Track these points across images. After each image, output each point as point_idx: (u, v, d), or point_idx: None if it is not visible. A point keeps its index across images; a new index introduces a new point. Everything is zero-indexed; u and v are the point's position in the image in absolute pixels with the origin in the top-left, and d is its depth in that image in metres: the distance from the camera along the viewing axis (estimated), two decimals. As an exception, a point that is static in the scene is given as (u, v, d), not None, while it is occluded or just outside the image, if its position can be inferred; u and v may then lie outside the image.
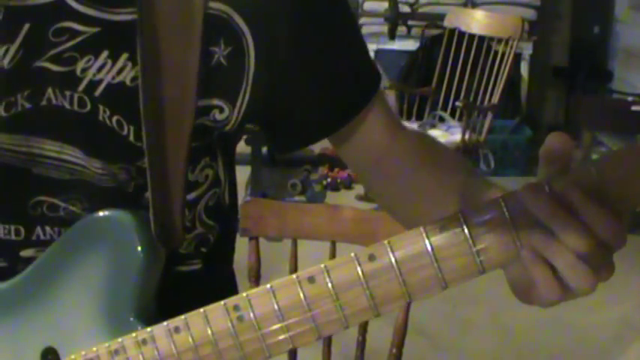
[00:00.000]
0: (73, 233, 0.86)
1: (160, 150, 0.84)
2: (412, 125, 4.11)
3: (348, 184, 4.46)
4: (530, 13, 5.10)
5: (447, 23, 4.29)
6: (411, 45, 5.12)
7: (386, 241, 0.67)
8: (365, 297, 0.68)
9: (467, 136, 3.86)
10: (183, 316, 0.76)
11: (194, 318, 0.75)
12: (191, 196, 0.91)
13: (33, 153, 0.86)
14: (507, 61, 3.96)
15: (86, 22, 0.83)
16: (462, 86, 4.14)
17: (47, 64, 0.83)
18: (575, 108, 5.03)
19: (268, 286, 0.72)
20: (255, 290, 0.73)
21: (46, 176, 0.87)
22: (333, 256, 1.46)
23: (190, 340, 0.76)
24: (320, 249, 1.42)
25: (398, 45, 5.01)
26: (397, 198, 0.94)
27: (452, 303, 3.09)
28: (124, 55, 0.83)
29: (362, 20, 5.03)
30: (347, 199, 4.25)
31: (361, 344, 1.48)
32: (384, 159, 0.94)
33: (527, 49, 5.08)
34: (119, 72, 0.84)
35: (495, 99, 4.00)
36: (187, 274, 0.95)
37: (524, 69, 5.13)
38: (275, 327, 0.72)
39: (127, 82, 0.84)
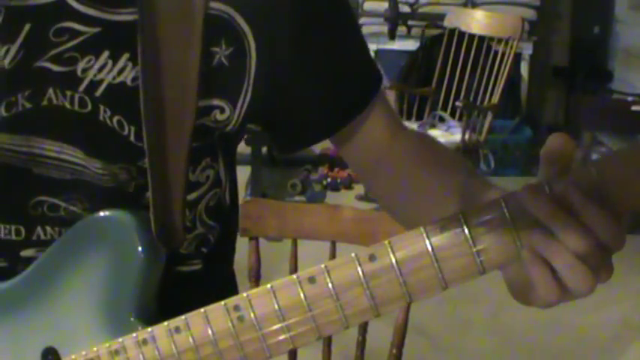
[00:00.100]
0: (74, 233, 0.86)
1: (160, 150, 0.84)
2: (412, 125, 4.11)
3: (348, 184, 4.46)
4: (530, 13, 5.10)
5: (447, 23, 4.29)
6: (411, 45, 5.12)
7: (386, 242, 0.68)
8: (365, 297, 0.68)
9: (467, 136, 3.86)
10: (183, 317, 0.76)
11: (194, 318, 0.75)
12: (192, 196, 0.91)
13: (33, 153, 0.86)
14: (507, 61, 3.96)
15: (87, 23, 0.83)
16: (462, 86, 4.14)
17: (48, 64, 0.83)
18: (575, 108, 5.03)
19: (269, 286, 0.72)
20: (255, 290, 0.73)
21: (47, 176, 0.87)
22: (333, 256, 1.46)
23: (191, 340, 0.76)
24: (320, 249, 1.42)
25: (398, 45, 5.00)
26: (398, 197, 0.95)
27: (452, 303, 3.09)
28: (125, 56, 0.83)
29: (362, 20, 5.03)
30: (347, 199, 4.25)
31: (361, 344, 1.48)
32: (384, 159, 0.94)
33: (527, 49, 5.07)
34: (120, 72, 0.84)
35: (495, 99, 4.00)
36: (188, 275, 0.95)
37: (524, 69, 5.13)
38: (275, 327, 0.72)
39: (128, 82, 0.84)
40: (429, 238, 0.66)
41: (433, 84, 4.34)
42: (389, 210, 0.99)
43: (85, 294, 0.85)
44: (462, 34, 4.17)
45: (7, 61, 0.83)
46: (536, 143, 4.76)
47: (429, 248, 0.66)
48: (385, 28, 4.63)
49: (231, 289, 1.05)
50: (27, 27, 0.83)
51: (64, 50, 0.83)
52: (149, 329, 0.78)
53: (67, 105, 0.84)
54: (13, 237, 0.90)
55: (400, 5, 4.70)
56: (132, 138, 0.85)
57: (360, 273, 0.68)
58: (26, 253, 0.90)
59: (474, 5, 5.06)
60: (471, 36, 4.12)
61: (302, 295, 0.70)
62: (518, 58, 4.84)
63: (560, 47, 5.50)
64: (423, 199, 0.89)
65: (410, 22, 5.07)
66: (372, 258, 0.68)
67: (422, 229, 0.67)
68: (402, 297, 0.68)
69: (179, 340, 0.76)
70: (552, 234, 0.63)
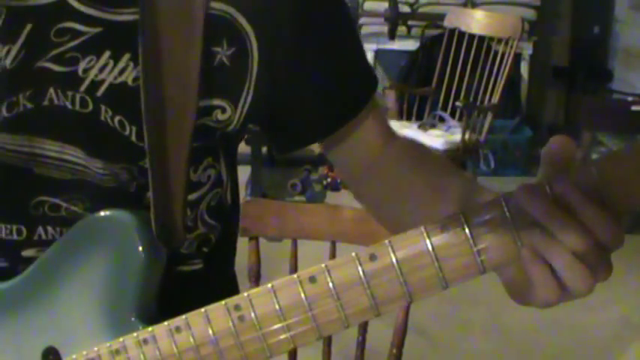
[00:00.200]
0: (75, 233, 0.87)
1: (161, 150, 0.84)
2: (412, 125, 4.12)
3: (348, 184, 4.46)
4: (530, 13, 5.10)
5: (447, 23, 4.29)
6: (411, 45, 5.12)
7: (387, 241, 0.68)
8: (366, 297, 0.68)
9: (467, 136, 3.86)
10: (184, 316, 0.76)
11: (195, 318, 0.75)
12: (193, 196, 0.91)
13: (35, 153, 0.86)
14: (507, 61, 3.96)
15: (88, 23, 0.83)
16: (462, 86, 4.14)
17: (49, 65, 0.83)
18: (575, 108, 5.03)
19: (269, 285, 0.72)
20: (256, 290, 0.73)
21: (48, 176, 0.87)
22: (333, 256, 1.46)
23: (191, 339, 0.76)
24: (320, 249, 1.42)
25: (398, 45, 5.01)
26: (388, 203, 0.94)
27: (452, 303, 3.09)
28: (126, 56, 0.84)
29: (362, 20, 5.03)
30: (347, 199, 4.25)
31: (361, 344, 1.48)
32: (376, 165, 0.94)
33: (527, 49, 5.08)
34: (121, 72, 0.84)
35: (495, 99, 4.00)
36: (189, 274, 0.95)
37: (524, 69, 5.14)
38: (276, 327, 0.72)
39: (129, 82, 0.84)
40: (429, 238, 0.66)
41: (433, 84, 4.34)
42: (376, 215, 0.99)
43: (85, 294, 0.85)
44: (462, 34, 4.17)
45: (8, 62, 0.83)
46: (536, 143, 4.77)
47: (430, 247, 0.66)
48: (385, 28, 4.63)
49: (232, 289, 1.05)
50: (28, 27, 0.83)
51: (65, 50, 0.83)
52: (150, 329, 0.78)
53: (69, 105, 0.84)
54: (15, 237, 0.90)
55: (400, 5, 4.70)
56: (133, 138, 0.85)
57: (361, 272, 0.68)
58: (27, 253, 0.90)
59: (474, 5, 5.06)
60: (471, 36, 4.12)
61: (302, 294, 0.70)
62: (518, 58, 4.84)
63: (560, 47, 5.50)
64: (415, 204, 0.89)
65: (410, 22, 5.08)
66: (372, 257, 0.68)
67: (422, 228, 0.67)
68: (403, 296, 0.68)
69: (180, 339, 0.76)
70: (550, 233, 0.63)
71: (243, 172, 3.93)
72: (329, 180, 4.47)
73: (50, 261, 0.87)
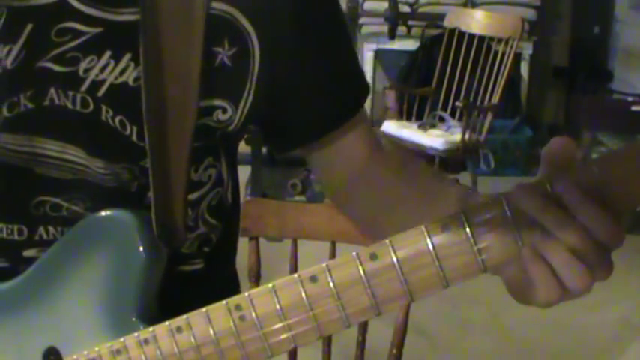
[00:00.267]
0: (75, 233, 0.87)
1: (162, 150, 0.84)
2: (412, 125, 4.12)
3: (347, 184, 4.46)
4: (530, 13, 5.10)
5: (447, 23, 4.29)
6: (411, 45, 5.12)
7: (387, 240, 0.68)
8: (367, 296, 0.69)
9: (467, 136, 3.86)
10: (185, 316, 0.76)
11: (196, 317, 0.75)
12: (194, 195, 0.92)
13: (36, 153, 0.86)
14: (507, 61, 3.96)
15: (89, 23, 0.83)
16: (462, 86, 4.14)
17: (50, 65, 0.83)
18: (575, 108, 5.03)
19: (270, 285, 0.72)
20: (256, 290, 0.73)
21: (49, 176, 0.87)
22: (333, 255, 1.46)
23: (192, 339, 0.76)
24: (320, 249, 1.42)
25: (398, 45, 5.01)
26: (376, 214, 0.94)
27: (452, 303, 3.09)
28: (127, 56, 0.84)
29: (362, 20, 5.03)
30: (347, 199, 4.24)
31: (361, 344, 1.48)
32: (364, 175, 0.94)
33: (527, 49, 5.08)
34: (122, 72, 0.84)
35: (495, 99, 4.00)
36: (189, 274, 0.95)
37: (524, 69, 5.14)
38: (277, 326, 0.72)
39: (130, 82, 0.84)
40: (429, 237, 0.66)
41: (433, 84, 4.34)
42: (363, 225, 0.98)
43: (86, 294, 0.85)
44: (462, 34, 4.17)
45: (9, 62, 0.83)
46: (536, 143, 4.77)
47: (430, 247, 0.66)
48: (385, 28, 4.63)
49: (233, 289, 1.05)
50: (29, 27, 0.83)
51: (66, 50, 0.83)
52: (150, 329, 0.78)
53: (69, 105, 0.84)
54: (16, 237, 0.90)
55: (400, 5, 4.70)
56: (134, 138, 0.85)
57: (362, 272, 0.68)
58: (28, 253, 0.90)
59: (474, 5, 5.06)
60: (471, 36, 4.12)
61: (303, 294, 0.70)
62: (518, 58, 4.84)
63: (560, 47, 5.51)
64: (406, 212, 0.89)
65: (410, 22, 5.07)
66: (373, 257, 0.68)
67: (423, 227, 0.67)
68: (404, 295, 0.68)
69: (180, 339, 0.76)
70: (549, 231, 0.63)
71: (243, 172, 3.93)
72: (329, 180, 4.46)
73: (51, 261, 0.87)
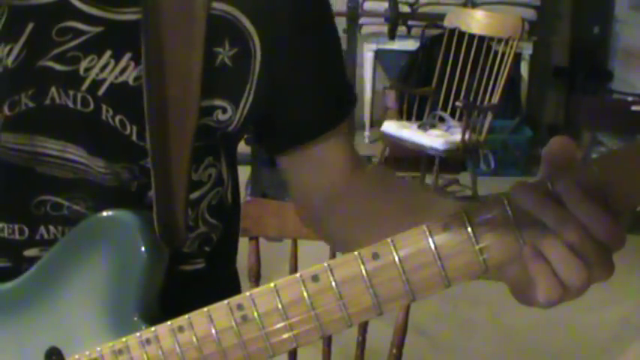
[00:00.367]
0: (77, 233, 0.87)
1: (163, 149, 0.84)
2: (412, 125, 4.12)
3: (347, 184, 4.45)
4: (530, 13, 5.11)
5: (447, 23, 4.29)
6: (411, 45, 5.12)
7: (389, 240, 0.68)
8: (368, 295, 0.69)
9: (467, 136, 3.86)
10: (186, 316, 0.76)
11: (198, 317, 0.75)
12: (194, 195, 0.92)
13: (36, 152, 0.86)
14: (507, 61, 3.96)
15: (90, 22, 0.83)
16: (462, 86, 4.14)
17: (51, 64, 0.83)
18: (575, 108, 5.04)
19: (272, 284, 0.72)
20: (258, 289, 0.73)
21: (50, 175, 0.87)
22: (333, 255, 1.46)
23: (194, 339, 0.76)
24: (320, 249, 1.42)
25: (398, 45, 5.01)
26: (356, 232, 0.91)
27: (452, 303, 3.09)
28: (127, 55, 0.84)
29: (362, 20, 5.03)
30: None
31: (361, 344, 1.48)
32: (344, 192, 0.94)
33: (527, 49, 5.08)
34: (122, 72, 0.84)
35: (495, 99, 4.00)
36: (190, 274, 0.95)
37: (524, 69, 5.14)
38: (279, 326, 0.72)
39: (130, 81, 0.84)
40: (431, 236, 0.66)
41: (433, 84, 4.34)
42: (341, 244, 0.96)
43: (88, 293, 0.85)
44: (462, 34, 4.17)
45: (10, 61, 0.83)
46: (536, 143, 4.77)
47: (432, 246, 0.66)
48: (385, 28, 4.63)
49: (234, 289, 1.05)
50: (30, 26, 0.83)
51: (67, 49, 0.83)
52: (152, 329, 0.78)
53: (70, 104, 0.84)
54: (17, 236, 0.90)
55: (400, 5, 4.70)
56: (134, 137, 0.85)
57: (363, 271, 0.68)
58: (29, 252, 0.90)
59: (474, 5, 5.07)
60: (471, 36, 4.12)
61: (305, 293, 0.70)
62: (518, 58, 4.85)
63: (560, 47, 5.51)
64: (390, 228, 0.86)
65: (410, 22, 5.08)
66: (374, 256, 0.68)
67: (425, 227, 0.67)
68: (405, 295, 0.68)
69: (182, 339, 0.76)
70: (547, 226, 0.63)
71: (243, 172, 3.93)
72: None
73: (53, 261, 0.87)
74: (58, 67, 0.84)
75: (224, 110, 0.87)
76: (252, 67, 0.87)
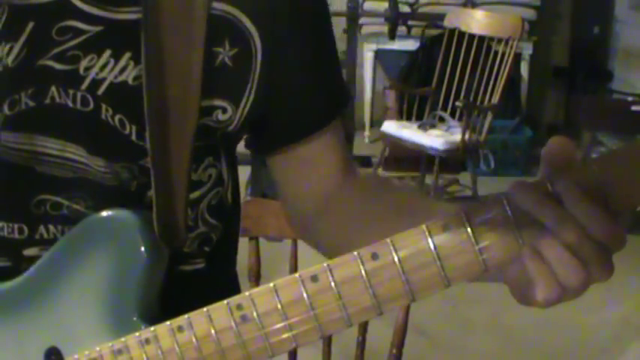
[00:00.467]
0: (77, 233, 0.86)
1: (163, 149, 0.84)
2: (412, 125, 4.12)
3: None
4: (530, 13, 5.11)
5: (447, 23, 4.29)
6: (411, 45, 5.13)
7: (388, 240, 0.68)
8: (368, 295, 0.68)
9: (467, 136, 3.86)
10: (186, 316, 0.76)
11: (197, 317, 0.75)
12: (194, 195, 0.92)
13: (36, 151, 0.86)
14: (507, 61, 3.96)
15: (90, 21, 0.83)
16: (462, 86, 4.14)
17: (51, 63, 0.83)
18: (575, 108, 5.04)
19: (271, 284, 0.72)
20: (258, 289, 0.73)
21: (50, 174, 0.87)
22: (333, 255, 1.46)
23: (193, 339, 0.76)
24: (320, 249, 1.42)
25: (398, 45, 5.01)
26: (349, 236, 0.90)
27: (452, 303, 3.09)
28: (127, 54, 0.84)
29: (362, 20, 5.03)
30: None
31: (361, 344, 1.48)
32: (335, 196, 0.93)
33: (527, 49, 5.09)
34: (121, 71, 0.84)
35: (495, 99, 4.00)
36: (190, 274, 0.95)
37: (524, 69, 5.14)
38: (278, 326, 0.72)
39: (130, 81, 0.84)
40: (431, 236, 0.66)
41: (433, 84, 4.34)
42: (332, 248, 0.92)
43: (87, 293, 0.85)
44: (462, 34, 4.17)
45: (10, 60, 0.83)
46: (536, 143, 4.77)
47: (431, 246, 0.66)
48: (385, 28, 4.63)
49: (234, 289, 1.05)
50: (30, 25, 0.83)
51: (67, 49, 0.83)
52: (151, 328, 0.78)
53: (70, 103, 0.84)
54: (16, 236, 0.90)
55: (400, 5, 4.70)
56: (133, 137, 0.85)
57: (363, 271, 0.68)
58: (29, 252, 0.90)
59: (474, 5, 5.07)
60: (471, 36, 4.12)
61: (304, 293, 0.70)
62: (518, 58, 4.85)
63: (560, 47, 5.51)
64: (384, 231, 0.85)
65: (410, 22, 5.08)
66: (374, 256, 0.68)
67: (424, 227, 0.67)
68: (405, 295, 0.68)
69: (182, 339, 0.76)
70: (545, 226, 0.63)
71: (243, 172, 3.93)
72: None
73: (52, 261, 0.87)
74: (58, 66, 0.84)
75: (224, 110, 0.87)
76: (253, 66, 0.87)
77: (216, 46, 0.85)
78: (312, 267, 0.71)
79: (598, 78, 5.25)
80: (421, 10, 5.13)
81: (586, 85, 5.18)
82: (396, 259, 0.67)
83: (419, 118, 4.27)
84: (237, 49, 0.86)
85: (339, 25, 4.15)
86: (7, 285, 0.89)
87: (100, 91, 0.84)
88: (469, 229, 0.65)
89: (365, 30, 5.15)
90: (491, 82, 4.02)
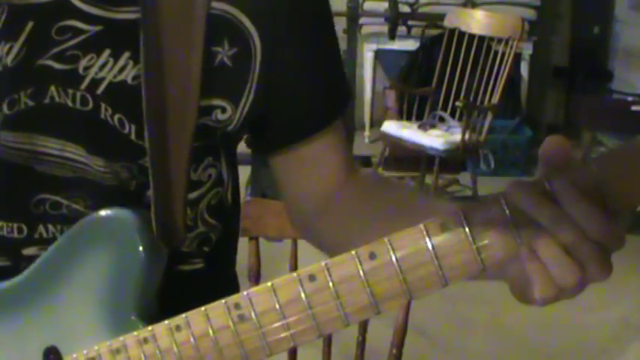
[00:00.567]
0: (76, 232, 0.86)
1: (162, 149, 0.84)
2: (412, 125, 4.12)
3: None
4: (530, 13, 5.11)
5: (447, 23, 4.29)
6: (411, 45, 5.13)
7: (386, 239, 0.68)
8: (365, 295, 0.68)
9: (467, 136, 3.86)
10: (184, 315, 0.76)
11: (195, 316, 0.75)
12: (193, 194, 0.92)
13: (36, 150, 0.86)
14: (507, 61, 3.96)
15: (89, 21, 0.83)
16: (462, 86, 4.14)
17: (50, 62, 0.83)
18: (575, 108, 5.04)
19: (269, 284, 0.72)
20: (255, 288, 0.73)
21: (49, 174, 0.87)
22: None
23: (191, 338, 0.76)
24: (320, 249, 1.42)
25: (398, 45, 5.01)
26: (350, 235, 0.90)
27: (452, 303, 3.09)
28: (126, 54, 0.84)
29: (362, 20, 5.03)
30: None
31: (361, 344, 1.48)
32: (337, 198, 0.93)
33: (527, 49, 5.08)
34: (121, 70, 0.84)
35: (495, 99, 4.00)
36: (189, 274, 0.95)
37: (524, 69, 5.14)
38: (276, 325, 0.72)
39: (129, 80, 0.84)
40: (428, 236, 0.66)
41: (433, 84, 4.34)
42: (334, 248, 0.92)
43: (86, 293, 0.85)
44: (462, 34, 4.17)
45: (9, 59, 0.83)
46: (536, 143, 4.77)
47: (429, 245, 0.66)
48: (385, 28, 4.64)
49: (233, 289, 1.05)
50: (30, 25, 0.83)
51: (66, 48, 0.83)
52: (150, 328, 0.78)
53: (69, 103, 0.84)
54: (15, 235, 0.90)
55: (400, 5, 4.70)
56: (132, 136, 0.85)
57: (360, 270, 0.68)
58: (28, 251, 0.90)
59: (474, 5, 5.07)
60: (471, 36, 4.12)
61: (302, 292, 0.70)
62: (518, 58, 4.85)
63: (560, 47, 5.51)
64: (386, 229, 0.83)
65: (410, 22, 5.08)
66: (372, 256, 0.68)
67: (422, 226, 0.67)
68: (403, 294, 0.68)
69: (180, 338, 0.76)
70: (541, 225, 0.63)
71: (243, 172, 3.93)
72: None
73: (51, 260, 0.87)
74: (57, 65, 0.84)
75: (223, 110, 0.87)
76: (253, 66, 0.87)
77: (215, 45, 0.85)
78: (309, 266, 0.71)
79: (598, 78, 5.25)
80: (421, 10, 5.13)
81: (586, 85, 5.19)
82: (393, 258, 0.67)
83: (419, 118, 4.27)
84: (236, 48, 0.86)
85: (339, 25, 4.15)
86: (6, 284, 0.89)
87: (100, 90, 0.84)
88: (467, 229, 0.65)
89: (365, 30, 5.15)
90: (491, 82, 4.02)
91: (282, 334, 0.72)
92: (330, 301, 0.70)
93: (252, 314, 0.73)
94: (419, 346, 2.79)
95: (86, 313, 0.85)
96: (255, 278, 1.52)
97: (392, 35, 4.56)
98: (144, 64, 0.83)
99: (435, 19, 4.75)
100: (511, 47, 3.95)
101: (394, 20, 4.51)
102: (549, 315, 2.87)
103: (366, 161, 4.66)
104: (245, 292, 0.73)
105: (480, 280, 0.70)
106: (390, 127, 4.15)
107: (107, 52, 0.84)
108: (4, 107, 0.84)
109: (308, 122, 0.93)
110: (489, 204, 0.65)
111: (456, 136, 3.92)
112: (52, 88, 0.84)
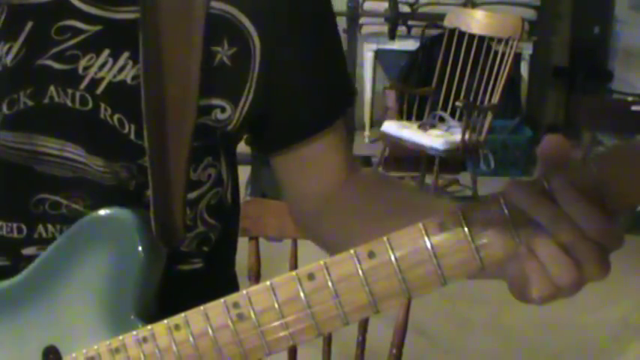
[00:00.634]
0: (75, 232, 0.87)
1: (161, 149, 0.84)
2: (412, 125, 4.12)
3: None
4: (530, 13, 5.11)
5: (447, 23, 4.29)
6: (411, 45, 5.13)
7: (385, 238, 0.68)
8: (364, 293, 0.68)
9: (467, 136, 3.86)
10: (183, 314, 0.76)
11: (194, 315, 0.75)
12: (193, 194, 0.92)
13: (35, 150, 0.86)
14: (507, 61, 3.96)
15: (88, 21, 0.83)
16: (462, 86, 4.14)
17: (50, 62, 0.84)
18: (575, 108, 5.04)
19: (268, 283, 0.72)
20: (254, 287, 0.73)
21: (49, 174, 0.87)
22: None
23: (190, 337, 0.76)
24: (319, 249, 1.42)
25: (398, 45, 5.01)
26: (352, 234, 0.89)
27: (452, 303, 3.09)
28: (125, 54, 0.84)
29: (362, 20, 5.03)
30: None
31: (361, 344, 1.48)
32: (338, 197, 0.93)
33: (527, 49, 5.08)
34: (120, 70, 0.84)
35: (495, 99, 4.00)
36: (189, 274, 0.95)
37: (524, 69, 5.14)
38: (275, 324, 0.72)
39: (128, 80, 0.84)
40: (427, 235, 0.66)
41: (433, 84, 4.34)
42: (331, 246, 0.94)
43: (85, 292, 0.85)
44: (462, 34, 4.17)
45: (9, 59, 0.83)
46: (536, 143, 4.76)
47: (428, 244, 0.66)
48: (385, 28, 4.64)
49: (233, 289, 1.04)
50: (29, 25, 0.83)
51: (66, 48, 0.83)
52: (149, 327, 0.78)
53: (69, 103, 0.85)
54: (15, 235, 0.90)
55: (400, 5, 4.70)
56: (132, 136, 0.85)
57: (359, 269, 0.68)
58: (28, 251, 0.90)
59: (474, 5, 5.07)
60: (471, 36, 4.12)
61: (301, 291, 0.70)
62: (518, 58, 4.85)
63: (560, 47, 5.51)
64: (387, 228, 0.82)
65: (410, 22, 5.08)
66: (371, 255, 0.68)
67: (421, 225, 0.67)
68: (402, 293, 0.68)
69: (179, 337, 0.76)
70: (539, 224, 0.63)
71: (243, 172, 3.93)
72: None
73: (51, 259, 0.87)
74: (56, 65, 0.84)
75: (223, 109, 0.87)
76: (252, 66, 0.87)
77: (214, 45, 0.85)
78: (308, 265, 0.71)
79: (598, 78, 5.25)
80: (421, 10, 5.13)
81: (586, 85, 5.19)
82: (392, 257, 0.67)
83: (419, 118, 4.27)
84: (235, 48, 0.86)
85: (339, 25, 4.15)
86: (6, 284, 0.89)
87: (99, 90, 0.84)
88: (466, 228, 0.65)
89: (365, 30, 5.15)
90: (491, 82, 4.03)
91: (281, 333, 0.72)
92: (329, 300, 0.70)
93: (252, 313, 0.73)
94: (419, 346, 2.79)
95: (85, 312, 0.85)
96: (255, 278, 1.52)
97: (392, 35, 4.56)
98: (143, 64, 0.83)
99: (435, 19, 4.75)
100: (511, 47, 3.95)
101: (394, 20, 4.51)
102: (549, 315, 2.87)
103: (366, 161, 4.66)
104: (244, 291, 0.73)
105: (479, 279, 0.70)
106: (390, 127, 4.15)
107: (106, 52, 0.84)
108: (4, 107, 0.84)
109: (309, 122, 0.93)
110: (488, 203, 0.65)
111: (456, 136, 3.92)
112: (52, 88, 0.84)
